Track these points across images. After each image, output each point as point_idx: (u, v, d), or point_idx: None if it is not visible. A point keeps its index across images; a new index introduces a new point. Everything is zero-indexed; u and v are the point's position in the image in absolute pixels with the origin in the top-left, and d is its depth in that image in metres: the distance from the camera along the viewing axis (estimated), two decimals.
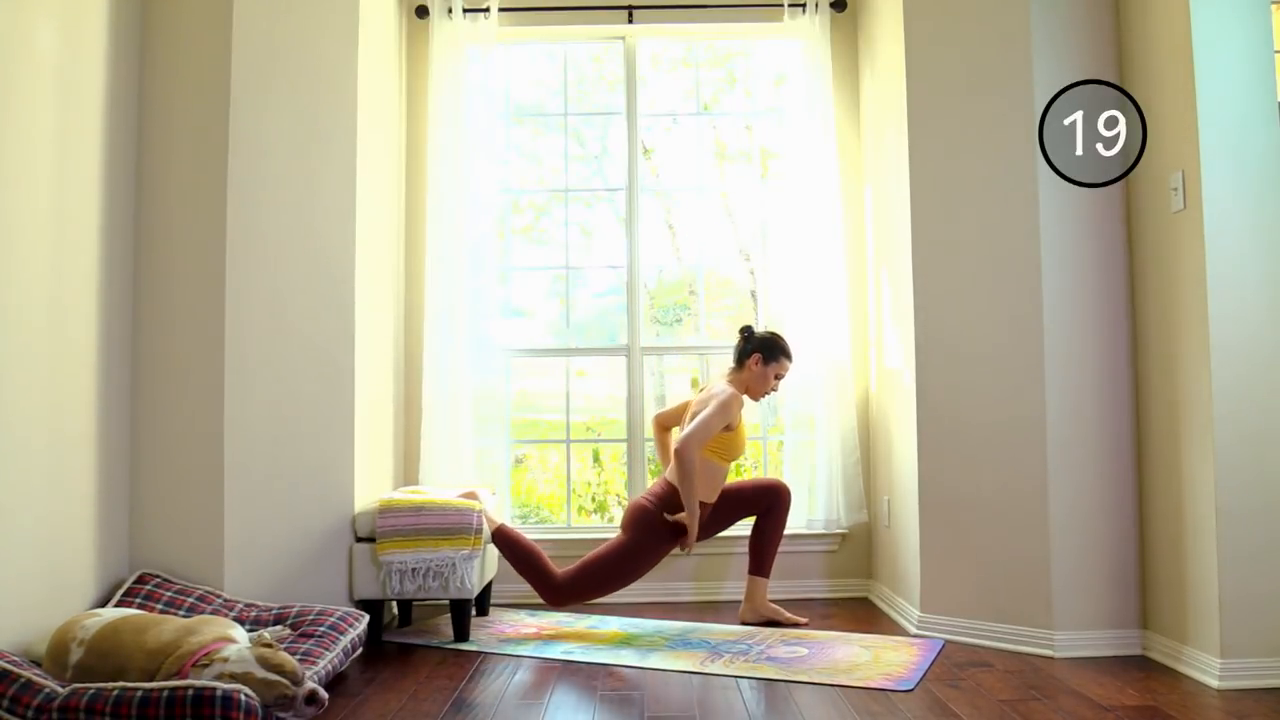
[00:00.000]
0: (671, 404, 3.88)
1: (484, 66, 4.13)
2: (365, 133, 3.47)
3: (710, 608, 3.85)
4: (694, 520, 3.45)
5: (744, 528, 3.90)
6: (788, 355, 3.64)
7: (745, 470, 4.61)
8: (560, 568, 3.49)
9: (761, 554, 3.62)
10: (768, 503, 3.63)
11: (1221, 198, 2.80)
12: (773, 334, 3.66)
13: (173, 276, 3.23)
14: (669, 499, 3.49)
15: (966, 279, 3.34)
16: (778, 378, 3.63)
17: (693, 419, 3.51)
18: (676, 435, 3.74)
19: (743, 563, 3.78)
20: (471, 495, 3.50)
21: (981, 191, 3.32)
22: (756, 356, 3.59)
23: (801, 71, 4.13)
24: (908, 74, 3.49)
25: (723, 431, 3.50)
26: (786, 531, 3.95)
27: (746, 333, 3.67)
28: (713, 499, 3.55)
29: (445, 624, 3.47)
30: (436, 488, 3.72)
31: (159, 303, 3.22)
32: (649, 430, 4.05)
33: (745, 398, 3.61)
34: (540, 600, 4.00)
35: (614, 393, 4.51)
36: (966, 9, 3.37)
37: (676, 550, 3.56)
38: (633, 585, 4.02)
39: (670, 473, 3.55)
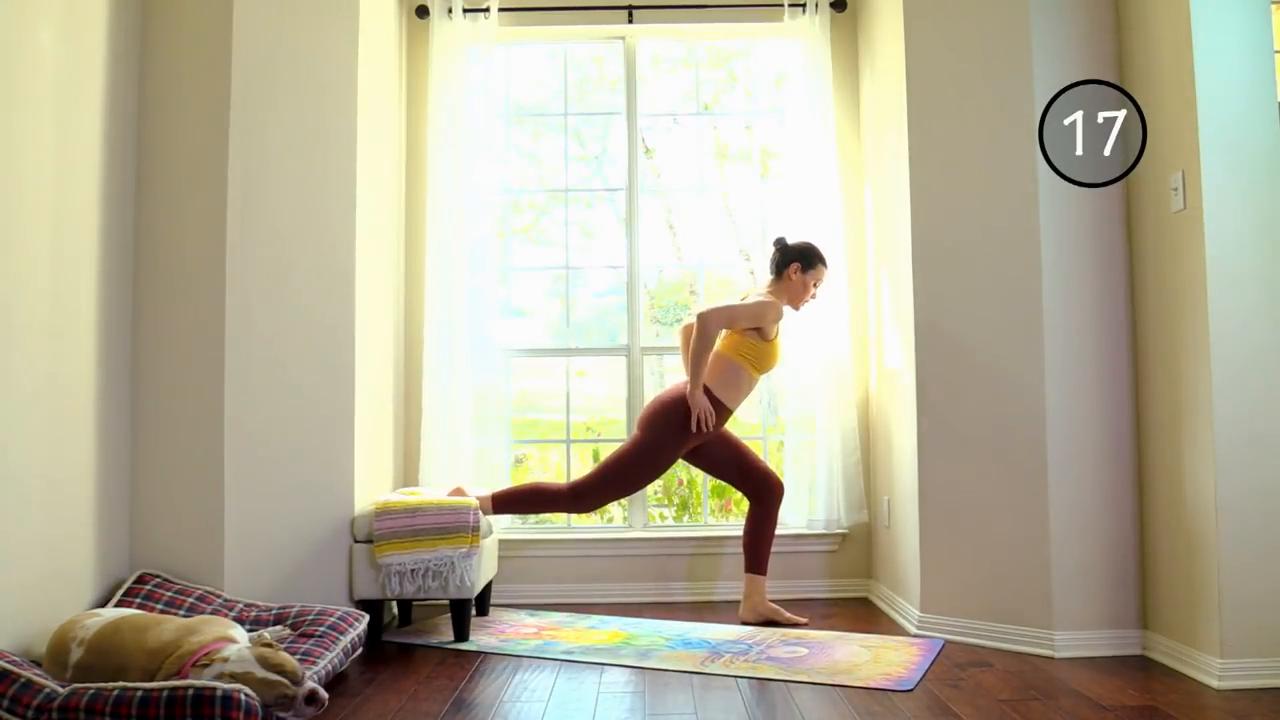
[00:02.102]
0: None
1: (484, 67, 4.13)
2: (365, 133, 3.47)
3: (709, 608, 3.85)
4: (698, 394, 3.43)
5: (738, 527, 3.91)
6: (824, 262, 3.63)
7: None
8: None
9: (756, 551, 3.60)
10: (756, 487, 3.61)
11: (1221, 198, 2.80)
12: (807, 242, 3.66)
13: (173, 278, 3.23)
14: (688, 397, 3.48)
15: (966, 279, 3.34)
16: (816, 285, 3.63)
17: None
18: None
19: (738, 562, 3.77)
20: (459, 492, 3.49)
21: (981, 191, 3.32)
22: (795, 265, 3.58)
23: (801, 71, 4.13)
24: (908, 74, 3.49)
25: (758, 339, 3.50)
26: (788, 532, 3.96)
27: (780, 243, 3.65)
28: (734, 407, 3.54)
29: (445, 624, 3.47)
30: (432, 489, 3.71)
31: (159, 304, 3.22)
32: None
33: (787, 308, 3.60)
34: (539, 600, 4.00)
35: (614, 393, 4.52)
36: (966, 9, 3.37)
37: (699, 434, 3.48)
38: (632, 585, 4.02)
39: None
